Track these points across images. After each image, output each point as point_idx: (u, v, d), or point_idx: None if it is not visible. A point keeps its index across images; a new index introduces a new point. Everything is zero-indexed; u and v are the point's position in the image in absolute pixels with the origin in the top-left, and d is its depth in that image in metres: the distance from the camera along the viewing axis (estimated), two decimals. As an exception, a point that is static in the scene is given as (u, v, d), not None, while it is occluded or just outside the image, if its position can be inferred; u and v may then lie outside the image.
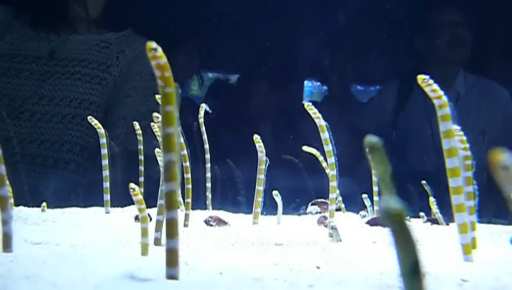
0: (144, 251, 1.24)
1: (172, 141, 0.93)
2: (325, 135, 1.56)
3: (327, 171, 1.94)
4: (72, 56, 2.92)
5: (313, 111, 1.54)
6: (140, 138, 2.12)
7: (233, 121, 3.06)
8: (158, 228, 1.35)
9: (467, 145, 1.33)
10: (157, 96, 1.55)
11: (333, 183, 1.60)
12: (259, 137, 1.70)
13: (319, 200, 2.12)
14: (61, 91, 2.88)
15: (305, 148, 2.04)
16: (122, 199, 2.14)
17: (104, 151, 1.95)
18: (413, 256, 0.50)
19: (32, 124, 2.86)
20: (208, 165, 2.11)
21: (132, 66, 2.94)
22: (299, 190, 2.63)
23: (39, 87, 2.88)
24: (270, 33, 3.12)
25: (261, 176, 1.77)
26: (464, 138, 1.33)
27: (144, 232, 1.24)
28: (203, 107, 2.06)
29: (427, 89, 1.19)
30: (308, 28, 3.22)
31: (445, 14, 2.87)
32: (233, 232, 1.62)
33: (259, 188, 1.78)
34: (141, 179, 2.10)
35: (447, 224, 1.86)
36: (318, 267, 1.12)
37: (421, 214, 2.00)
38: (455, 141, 1.22)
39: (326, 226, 1.64)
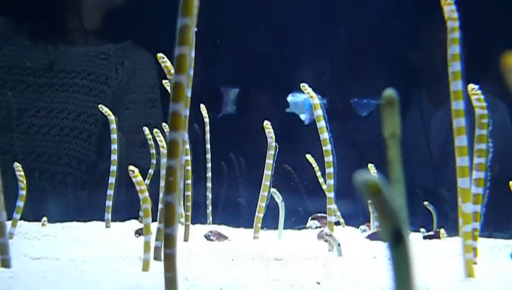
0: (145, 266, 1.26)
1: (177, 146, 0.91)
2: (323, 131, 1.60)
3: (323, 187, 1.98)
4: (70, 68, 2.92)
5: (307, 91, 1.61)
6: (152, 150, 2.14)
7: (232, 134, 3.08)
8: (159, 237, 1.37)
9: (484, 104, 1.35)
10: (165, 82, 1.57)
11: (330, 195, 1.64)
12: (269, 123, 1.74)
13: (318, 214, 2.14)
14: (59, 103, 2.88)
15: (309, 157, 2.09)
16: (123, 213, 2.16)
17: (114, 136, 1.96)
18: (395, 223, 0.51)
19: (30, 137, 2.86)
20: (209, 175, 2.13)
21: (131, 78, 2.95)
22: (300, 204, 2.65)
23: (37, 100, 2.89)
24: (270, 48, 3.16)
25: (269, 161, 1.78)
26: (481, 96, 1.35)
27: (146, 247, 1.26)
28: (204, 108, 2.08)
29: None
30: (308, 43, 3.26)
31: (442, 31, 2.91)
32: (233, 247, 1.63)
33: (266, 183, 1.80)
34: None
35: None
36: (318, 283, 1.14)
37: (422, 230, 2.02)
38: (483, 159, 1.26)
39: (326, 240, 1.66)
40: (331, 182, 1.63)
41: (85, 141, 2.82)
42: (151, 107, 2.96)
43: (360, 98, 3.42)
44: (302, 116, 3.34)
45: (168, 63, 1.37)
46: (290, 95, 3.32)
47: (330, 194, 1.63)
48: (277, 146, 1.77)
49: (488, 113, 1.33)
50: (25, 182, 1.60)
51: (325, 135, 1.62)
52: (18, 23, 3.00)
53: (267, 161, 1.79)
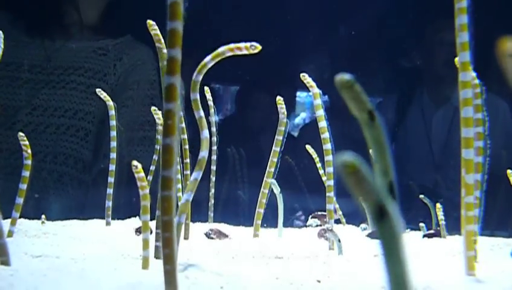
0: (145, 264, 1.27)
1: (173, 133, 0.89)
2: (324, 131, 1.64)
3: (323, 178, 2.00)
4: (67, 64, 2.89)
5: (307, 80, 1.64)
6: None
7: (232, 132, 3.09)
8: (159, 238, 1.39)
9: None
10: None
11: (330, 194, 1.66)
12: (282, 98, 1.75)
13: (319, 213, 2.16)
14: (56, 101, 2.85)
15: (308, 148, 2.11)
16: (123, 212, 2.17)
17: (113, 122, 1.97)
18: (377, 199, 0.54)
19: (26, 135, 2.84)
20: (213, 168, 2.14)
21: (130, 75, 2.91)
22: (300, 202, 2.67)
23: (33, 97, 2.88)
24: (272, 46, 3.17)
25: (279, 137, 1.79)
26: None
27: (145, 244, 1.28)
28: (208, 90, 2.04)
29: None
30: (309, 41, 3.28)
31: (443, 31, 2.94)
32: (234, 245, 1.65)
33: (271, 169, 1.82)
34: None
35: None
36: (319, 281, 1.16)
37: (421, 225, 2.04)
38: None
39: (326, 239, 1.69)
40: (330, 183, 1.66)
41: (82, 139, 2.81)
42: (150, 104, 2.96)
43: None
44: (295, 133, 3.38)
45: (158, 32, 1.40)
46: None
47: (330, 194, 1.66)
48: (288, 122, 1.78)
49: (485, 109, 1.36)
50: (29, 151, 1.63)
51: (326, 135, 1.64)
52: (15, 18, 2.96)
53: (276, 136, 1.78)
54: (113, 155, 1.98)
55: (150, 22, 1.42)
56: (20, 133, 1.63)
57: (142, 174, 1.23)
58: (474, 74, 1.35)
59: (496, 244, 1.72)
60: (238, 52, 1.27)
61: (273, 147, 1.80)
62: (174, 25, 0.88)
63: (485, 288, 1.12)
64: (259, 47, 1.24)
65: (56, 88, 2.88)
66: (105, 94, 1.95)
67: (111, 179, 1.99)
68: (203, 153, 1.32)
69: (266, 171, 1.82)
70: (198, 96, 1.38)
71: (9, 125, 2.85)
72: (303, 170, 2.82)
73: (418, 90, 3.19)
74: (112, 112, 1.97)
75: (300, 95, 3.48)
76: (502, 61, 0.62)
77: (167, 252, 0.91)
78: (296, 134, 3.38)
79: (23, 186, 1.64)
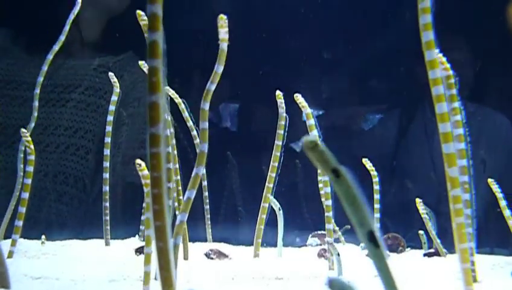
0: (146, 280, 1.28)
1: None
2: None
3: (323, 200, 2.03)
4: (68, 82, 2.90)
5: (299, 101, 1.69)
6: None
7: (233, 147, 3.12)
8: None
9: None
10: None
11: (329, 214, 1.69)
12: (281, 93, 1.79)
13: (319, 232, 2.18)
14: (56, 119, 2.87)
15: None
16: (122, 231, 2.20)
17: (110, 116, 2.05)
18: (332, 165, 0.64)
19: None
20: (205, 183, 2.17)
21: (130, 92, 2.92)
22: (300, 220, 2.69)
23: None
24: (271, 60, 3.21)
25: (280, 131, 1.83)
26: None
27: (147, 260, 1.28)
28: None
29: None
30: (310, 55, 3.32)
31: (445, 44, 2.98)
32: (234, 266, 1.68)
33: (274, 163, 1.84)
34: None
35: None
36: (318, 302, 1.19)
37: (420, 232, 2.05)
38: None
39: (326, 258, 1.71)
40: (328, 203, 1.69)
41: (82, 158, 2.83)
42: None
43: (363, 111, 3.48)
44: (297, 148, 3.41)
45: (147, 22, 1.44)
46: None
47: (329, 214, 1.69)
48: (287, 117, 1.82)
49: (465, 123, 1.40)
50: (32, 147, 1.68)
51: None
52: (16, 35, 2.99)
53: (277, 131, 1.83)
54: (107, 167, 2.04)
55: (139, 12, 1.46)
56: (23, 130, 1.69)
57: (146, 172, 1.23)
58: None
59: (497, 263, 1.74)
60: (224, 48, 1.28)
61: (275, 141, 1.83)
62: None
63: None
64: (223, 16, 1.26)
65: (56, 106, 2.89)
66: (115, 79, 2.02)
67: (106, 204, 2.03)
68: (197, 170, 1.31)
69: (274, 145, 1.85)
70: (207, 107, 1.40)
71: (9, 144, 2.87)
72: (304, 187, 2.85)
73: (421, 105, 3.22)
74: (115, 98, 2.01)
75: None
76: None
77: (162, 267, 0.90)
78: (298, 149, 3.39)
79: (22, 209, 1.68)
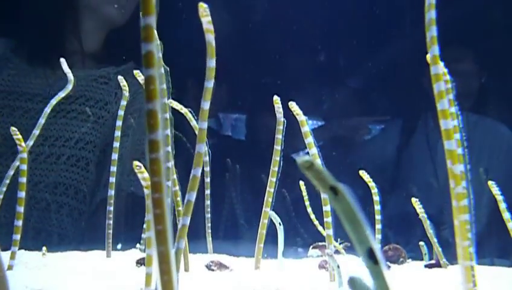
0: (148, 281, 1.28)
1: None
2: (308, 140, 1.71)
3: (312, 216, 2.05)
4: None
5: (294, 109, 1.71)
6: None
7: (235, 159, 3.13)
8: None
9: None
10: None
11: (328, 219, 1.70)
12: (279, 98, 1.80)
13: (320, 243, 2.19)
14: (56, 130, 2.88)
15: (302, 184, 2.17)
16: (123, 243, 2.20)
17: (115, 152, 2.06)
18: (330, 182, 0.66)
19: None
20: (207, 192, 2.18)
21: (131, 103, 2.92)
22: (301, 231, 2.70)
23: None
24: (271, 71, 3.23)
25: (278, 136, 1.83)
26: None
27: (148, 279, 1.30)
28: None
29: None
30: (310, 64, 3.34)
31: (448, 54, 3.00)
32: (234, 278, 1.68)
33: (274, 168, 1.86)
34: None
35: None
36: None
37: (421, 243, 2.06)
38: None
39: (327, 270, 1.71)
40: (327, 208, 1.70)
41: (83, 169, 2.84)
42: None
43: (364, 121, 3.49)
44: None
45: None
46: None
47: (328, 219, 1.70)
48: (285, 121, 1.84)
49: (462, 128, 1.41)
50: (23, 145, 1.67)
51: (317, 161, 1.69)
52: (17, 46, 3.00)
53: (276, 135, 1.84)
54: (113, 172, 2.06)
55: (136, 72, 1.46)
56: (13, 128, 1.68)
57: (146, 174, 1.23)
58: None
59: (498, 275, 1.74)
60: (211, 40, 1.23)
61: (275, 146, 1.85)
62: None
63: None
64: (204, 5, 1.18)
65: (57, 117, 2.88)
66: (124, 82, 2.00)
67: (110, 208, 2.03)
68: (195, 172, 1.27)
69: (274, 149, 1.86)
70: (207, 107, 1.37)
71: (9, 155, 2.87)
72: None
73: (423, 115, 3.24)
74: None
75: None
76: None
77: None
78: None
79: (19, 222, 1.68)
